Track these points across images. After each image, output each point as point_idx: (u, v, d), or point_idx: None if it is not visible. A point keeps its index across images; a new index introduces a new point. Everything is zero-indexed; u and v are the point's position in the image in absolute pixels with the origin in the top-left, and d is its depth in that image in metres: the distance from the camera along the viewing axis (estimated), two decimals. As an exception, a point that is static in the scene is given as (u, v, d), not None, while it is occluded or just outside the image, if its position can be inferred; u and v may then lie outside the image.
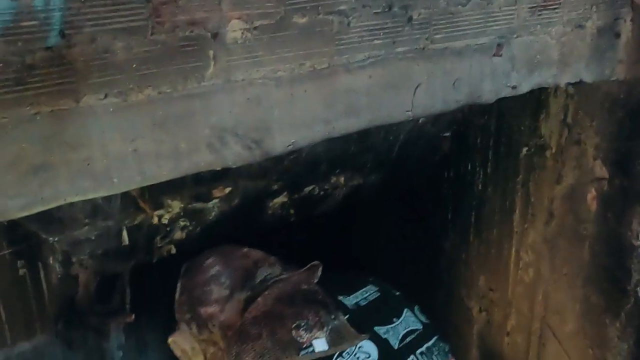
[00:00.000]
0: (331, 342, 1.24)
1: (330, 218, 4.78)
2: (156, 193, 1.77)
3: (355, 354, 1.24)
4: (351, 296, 1.43)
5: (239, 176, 1.87)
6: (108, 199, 1.67)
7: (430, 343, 1.37)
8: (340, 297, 1.41)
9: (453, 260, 2.19)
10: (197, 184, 1.81)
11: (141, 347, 2.39)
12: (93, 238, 1.84)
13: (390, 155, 2.17)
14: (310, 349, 1.24)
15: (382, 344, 1.29)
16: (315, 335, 1.27)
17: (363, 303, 1.44)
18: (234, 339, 1.39)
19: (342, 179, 2.21)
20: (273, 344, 1.29)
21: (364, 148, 2.05)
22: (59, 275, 1.85)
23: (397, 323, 1.39)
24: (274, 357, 1.26)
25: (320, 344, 1.25)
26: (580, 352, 1.39)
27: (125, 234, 1.83)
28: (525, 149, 1.55)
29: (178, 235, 2.07)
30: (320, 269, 1.49)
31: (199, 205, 1.93)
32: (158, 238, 2.03)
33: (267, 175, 1.92)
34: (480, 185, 1.88)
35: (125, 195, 1.70)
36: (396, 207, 2.63)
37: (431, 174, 2.30)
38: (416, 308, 1.43)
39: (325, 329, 1.28)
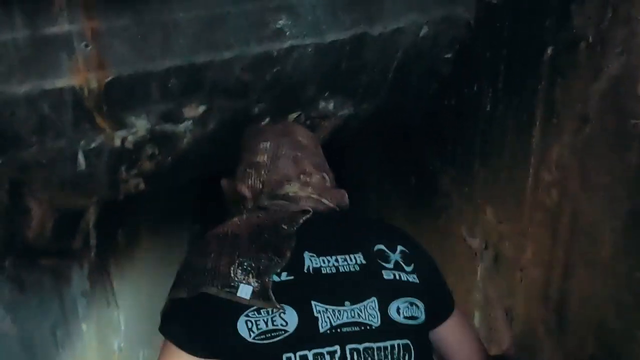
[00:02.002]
0: (253, 295, 1.05)
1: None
2: (116, 107, 1.48)
3: (273, 318, 1.04)
4: (325, 258, 1.13)
5: (214, 91, 1.57)
6: (56, 108, 1.38)
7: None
8: (312, 255, 1.13)
9: (452, 198, 1.93)
10: (165, 98, 1.52)
11: (109, 296, 2.11)
12: (44, 162, 1.55)
13: (386, 79, 1.89)
14: (234, 290, 1.06)
15: (307, 320, 1.06)
16: (247, 280, 1.07)
17: (326, 271, 1.12)
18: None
19: (330, 106, 1.93)
20: (216, 263, 1.10)
21: (357, 67, 1.77)
22: (6, 206, 1.55)
23: (345, 308, 1.08)
24: (209, 278, 1.08)
25: (244, 291, 1.06)
26: (621, 278, 1.13)
27: (81, 156, 1.53)
28: (550, 49, 1.28)
29: (146, 165, 1.78)
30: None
31: (168, 127, 1.64)
32: (123, 168, 1.74)
33: (247, 92, 1.63)
34: (488, 106, 1.61)
35: (78, 106, 1.41)
36: (389, 144, 2.36)
37: (429, 103, 2.02)
38: (393, 306, 1.13)
39: (259, 279, 1.07)
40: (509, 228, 1.55)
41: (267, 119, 1.82)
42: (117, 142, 1.59)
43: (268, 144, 1.38)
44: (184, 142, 1.75)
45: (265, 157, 1.36)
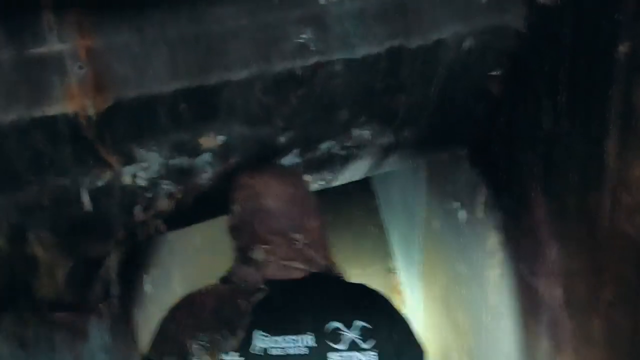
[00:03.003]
0: None
1: (355, 191, 4.26)
2: (121, 137, 1.28)
3: None
4: (276, 338, 1.11)
5: (232, 117, 1.37)
6: (52, 140, 1.19)
7: None
8: (264, 335, 1.11)
9: (508, 232, 1.66)
10: (177, 126, 1.31)
11: (132, 348, 1.90)
12: (47, 203, 1.36)
13: (427, 101, 1.65)
14: None
15: None
16: (200, 357, 1.10)
17: (275, 352, 1.10)
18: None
19: (367, 134, 1.70)
20: (180, 334, 1.15)
21: (394, 86, 1.54)
22: (7, 253, 1.36)
23: None
24: (172, 347, 1.14)
25: None
26: None
27: (85, 196, 1.34)
28: (626, 45, 1.03)
29: (164, 205, 1.57)
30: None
31: (184, 161, 1.43)
32: (138, 209, 1.53)
33: (271, 118, 1.42)
34: (549, 123, 1.35)
35: (77, 137, 1.22)
36: (434, 175, 2.11)
37: (477, 127, 1.78)
38: None
39: (212, 358, 1.09)
40: (580, 264, 1.27)
41: (294, 155, 1.61)
42: (128, 179, 1.39)
43: (237, 207, 1.33)
44: (204, 177, 1.54)
45: (236, 220, 1.33)
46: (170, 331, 1.16)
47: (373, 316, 1.13)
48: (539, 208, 1.50)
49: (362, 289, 1.24)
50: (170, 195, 1.56)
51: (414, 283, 3.14)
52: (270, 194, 1.30)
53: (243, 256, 1.24)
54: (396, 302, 3.19)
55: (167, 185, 1.50)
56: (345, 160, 1.79)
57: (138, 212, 1.56)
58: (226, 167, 1.55)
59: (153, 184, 1.46)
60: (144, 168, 1.37)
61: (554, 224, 1.43)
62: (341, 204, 4.66)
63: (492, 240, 1.85)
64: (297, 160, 1.68)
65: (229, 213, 1.33)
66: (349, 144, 1.72)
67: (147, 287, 2.23)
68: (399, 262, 3.66)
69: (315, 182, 1.82)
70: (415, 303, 3.17)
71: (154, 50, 1.16)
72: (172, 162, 1.41)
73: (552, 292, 1.44)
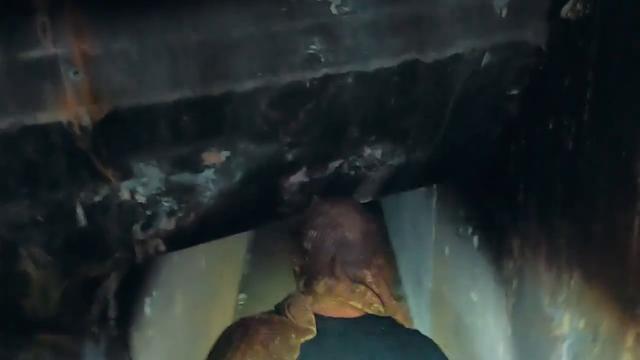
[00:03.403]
0: None
1: (372, 210, 4.17)
2: (118, 150, 1.20)
3: None
4: None
5: (236, 132, 1.28)
6: (44, 151, 1.11)
7: None
8: None
9: (526, 260, 1.56)
10: (178, 140, 1.23)
11: (128, 375, 1.80)
12: (41, 219, 1.27)
13: (441, 119, 1.56)
14: None
15: None
16: None
17: None
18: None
19: (378, 154, 1.61)
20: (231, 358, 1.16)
21: (408, 103, 1.45)
22: (-3, 271, 1.28)
23: None
24: None
25: None
26: None
27: (80, 211, 1.25)
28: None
29: (164, 224, 1.49)
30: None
31: (186, 177, 1.35)
32: (137, 227, 1.44)
33: (277, 134, 1.33)
34: (571, 144, 1.26)
35: (70, 148, 1.13)
36: (447, 199, 2.01)
37: (493, 149, 1.68)
38: None
39: None
40: (607, 294, 1.16)
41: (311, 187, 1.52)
42: (126, 195, 1.30)
43: (314, 233, 1.26)
44: (207, 195, 1.45)
45: (310, 245, 1.26)
46: (223, 352, 1.15)
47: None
48: (560, 233, 1.40)
49: (413, 335, 1.24)
50: (171, 214, 1.48)
51: (423, 311, 3.02)
52: (351, 226, 1.25)
53: (305, 285, 1.22)
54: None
55: (167, 203, 1.41)
56: (354, 181, 1.70)
57: (137, 231, 1.47)
58: (229, 185, 1.46)
59: (153, 201, 1.37)
60: (143, 184, 1.29)
61: (576, 251, 1.32)
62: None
63: (508, 268, 1.74)
64: (305, 180, 1.60)
65: (300, 236, 1.27)
66: (358, 163, 1.63)
67: (147, 310, 2.13)
68: (408, 289, 3.54)
69: (323, 203, 1.72)
70: (423, 330, 3.05)
71: (154, 57, 1.08)
72: (173, 178, 1.33)
73: (574, 324, 1.34)
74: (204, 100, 1.15)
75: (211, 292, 3.02)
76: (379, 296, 1.18)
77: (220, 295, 3.04)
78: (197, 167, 1.33)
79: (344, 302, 1.16)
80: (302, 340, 1.10)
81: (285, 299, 1.22)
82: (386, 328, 1.18)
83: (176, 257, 2.47)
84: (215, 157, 1.31)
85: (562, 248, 1.39)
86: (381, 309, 1.18)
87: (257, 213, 1.65)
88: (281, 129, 1.32)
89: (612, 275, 1.19)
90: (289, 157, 1.45)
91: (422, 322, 3.11)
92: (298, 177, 1.57)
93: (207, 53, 1.13)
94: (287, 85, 1.20)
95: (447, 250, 2.48)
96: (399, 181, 1.81)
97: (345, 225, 1.25)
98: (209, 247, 3.04)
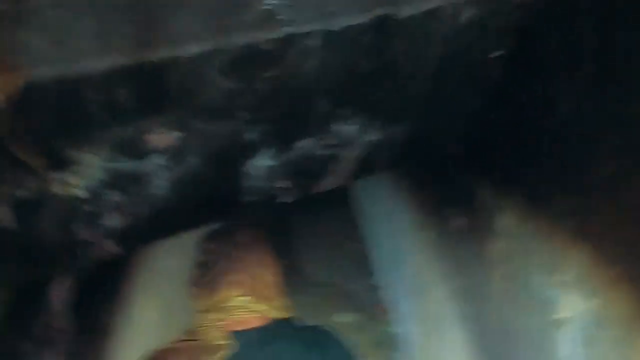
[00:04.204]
0: None
1: (328, 204, 3.95)
2: (43, 132, 0.97)
3: None
4: None
5: (185, 107, 1.07)
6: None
7: None
8: None
9: (518, 240, 1.38)
10: (116, 118, 1.01)
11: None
12: (-43, 221, 1.05)
13: (419, 87, 1.37)
14: None
15: None
16: None
17: None
18: None
19: (353, 129, 1.41)
20: None
21: (382, 68, 1.25)
22: None
23: None
24: None
25: None
26: None
27: (4, 209, 1.03)
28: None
29: (112, 221, 1.27)
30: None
31: (130, 164, 1.13)
32: (79, 225, 1.22)
33: (233, 109, 1.12)
34: (566, 106, 1.08)
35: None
36: (428, 179, 1.83)
37: (473, 121, 1.50)
38: None
39: None
40: (618, 271, 0.98)
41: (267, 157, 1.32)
42: (59, 189, 1.08)
43: (208, 254, 1.36)
44: (159, 186, 1.24)
45: (207, 263, 1.34)
46: None
47: (328, 355, 1.21)
48: (557, 207, 1.22)
49: (316, 333, 1.29)
50: (118, 209, 1.26)
51: (403, 300, 2.84)
52: (236, 241, 1.37)
53: (211, 303, 1.25)
54: (383, 320, 2.88)
55: (112, 196, 1.19)
56: (327, 162, 1.50)
57: (80, 231, 1.25)
58: (185, 174, 1.25)
59: (94, 194, 1.15)
60: (79, 174, 1.07)
61: (579, 225, 1.14)
62: (312, 218, 4.34)
63: (498, 250, 1.56)
64: (270, 163, 1.39)
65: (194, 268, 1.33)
66: (330, 140, 1.43)
67: (114, 318, 1.90)
68: (384, 278, 3.36)
69: (293, 189, 1.53)
70: (404, 321, 2.88)
71: (77, 17, 0.86)
72: (115, 166, 1.11)
73: (580, 306, 1.16)
74: (142, 68, 0.93)
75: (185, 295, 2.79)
76: (276, 300, 1.27)
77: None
78: (141, 151, 1.12)
79: (249, 310, 1.22)
80: (218, 358, 1.13)
81: (194, 322, 1.26)
82: (291, 331, 1.24)
83: (150, 260, 2.25)
84: (162, 138, 1.10)
85: (560, 224, 1.21)
86: (281, 312, 1.26)
87: (219, 204, 1.44)
88: (238, 103, 1.11)
89: (625, 248, 1.01)
90: (250, 136, 1.25)
91: (402, 311, 2.94)
92: (262, 160, 1.37)
93: (141, 12, 0.91)
94: (241, 48, 1.00)
95: (428, 234, 2.30)
96: (376, 160, 1.62)
97: (236, 242, 1.36)
98: (181, 244, 2.81)
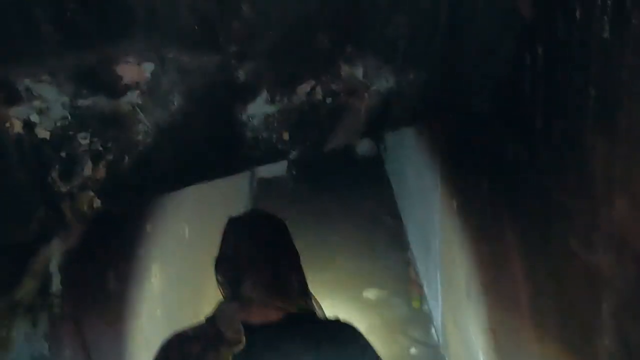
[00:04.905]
0: None
1: (367, 178, 3.75)
2: None
3: None
4: None
5: (157, 31, 0.90)
6: None
7: None
8: None
9: (552, 197, 1.18)
10: (72, 40, 0.85)
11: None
12: None
13: (436, 26, 1.17)
14: None
15: None
16: None
17: None
18: None
19: (359, 73, 1.23)
20: None
21: (391, 1, 1.06)
22: None
23: None
24: None
25: None
26: None
27: None
28: None
29: (90, 170, 1.12)
30: None
31: (101, 101, 0.97)
32: (54, 174, 1.08)
33: (217, 38, 0.95)
34: (606, 32, 0.87)
35: None
36: (451, 135, 1.63)
37: (501, 69, 1.30)
38: None
39: None
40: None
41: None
42: (18, 127, 0.93)
43: (233, 239, 1.29)
44: (140, 130, 1.08)
45: (230, 252, 1.27)
46: None
47: (345, 351, 1.17)
48: (593, 159, 1.02)
49: (334, 326, 1.25)
50: (96, 157, 1.11)
51: (432, 273, 2.66)
52: (257, 232, 1.30)
53: (230, 294, 1.22)
54: (414, 296, 2.70)
55: (86, 140, 1.04)
56: (334, 112, 1.32)
57: (56, 180, 1.10)
58: (170, 117, 1.09)
59: (64, 137, 1.00)
60: (39, 111, 0.92)
61: (618, 177, 0.94)
62: (352, 192, 4.20)
63: (528, 212, 1.36)
64: (269, 110, 1.22)
65: (221, 246, 1.28)
66: (335, 87, 1.25)
67: (113, 285, 1.78)
68: (416, 253, 3.18)
69: (299, 143, 1.35)
70: (433, 295, 2.69)
71: None
72: (82, 103, 0.96)
73: (619, 268, 0.96)
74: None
75: (198, 266, 2.67)
76: (296, 293, 1.21)
77: (203, 268, 2.68)
78: (114, 87, 0.96)
79: (267, 302, 1.18)
80: (232, 351, 1.12)
81: (215, 310, 1.22)
82: (306, 327, 1.20)
83: (149, 225, 2.12)
84: (134, 70, 0.94)
85: (599, 177, 1.01)
86: (300, 306, 1.21)
87: (214, 157, 1.28)
88: (221, 31, 0.94)
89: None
90: (241, 75, 1.08)
91: (431, 285, 2.75)
92: (259, 106, 1.20)
93: None
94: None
95: (454, 204, 2.10)
96: (390, 114, 1.43)
97: (258, 233, 1.28)
98: (195, 212, 2.68)
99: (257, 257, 1.23)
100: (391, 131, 1.54)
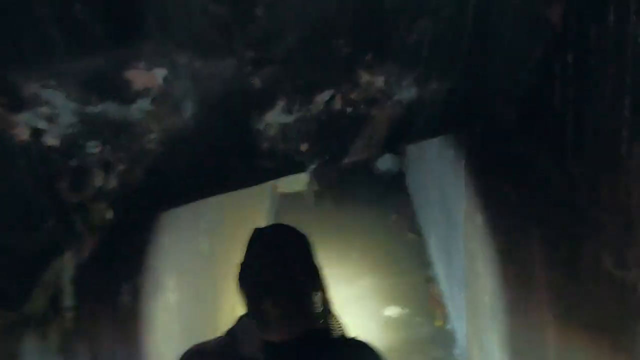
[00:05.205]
0: None
1: (389, 194, 3.65)
2: None
3: None
4: None
5: (169, 36, 0.86)
6: None
7: None
8: None
9: (582, 211, 1.10)
10: (82, 45, 0.81)
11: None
12: None
13: (461, 32, 1.11)
14: None
15: None
16: None
17: None
18: None
19: (380, 82, 1.17)
20: None
21: (413, 4, 1.01)
22: None
23: None
24: None
25: None
26: None
27: None
28: None
29: (102, 180, 1.08)
30: None
31: (110, 108, 0.93)
32: (64, 184, 1.04)
33: (231, 43, 0.90)
34: None
35: None
36: (476, 160, 1.57)
37: (530, 76, 1.23)
38: None
39: None
40: None
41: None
42: (25, 134, 0.89)
43: (254, 254, 1.20)
44: (151, 139, 1.04)
45: (252, 268, 1.18)
46: None
47: None
48: (627, 170, 0.94)
49: (352, 345, 1.22)
50: (107, 166, 1.07)
51: (456, 292, 2.57)
52: (285, 246, 1.21)
53: (251, 309, 1.17)
54: (437, 315, 2.61)
55: (96, 149, 1.00)
56: (354, 122, 1.26)
57: (65, 191, 1.06)
58: (182, 124, 1.04)
59: (72, 145, 0.96)
60: (47, 117, 0.88)
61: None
62: (374, 208, 4.12)
63: (555, 228, 1.29)
64: (286, 119, 1.17)
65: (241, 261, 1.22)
66: (355, 96, 1.19)
67: (125, 299, 1.73)
68: (439, 270, 3.08)
69: (317, 153, 1.30)
70: (458, 315, 2.60)
71: None
72: (92, 110, 0.91)
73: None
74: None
75: (217, 281, 2.61)
76: (317, 310, 1.18)
77: (221, 284, 2.62)
78: (124, 94, 0.92)
79: (287, 319, 1.14)
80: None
81: (235, 324, 1.19)
82: (325, 345, 1.19)
83: (166, 237, 2.07)
84: (145, 76, 0.89)
85: (635, 190, 0.93)
86: (320, 323, 1.18)
87: (229, 168, 1.23)
88: (235, 35, 0.89)
89: None
90: (257, 82, 1.03)
91: (455, 304, 2.66)
92: (276, 115, 1.15)
93: None
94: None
95: (479, 220, 2.02)
96: (413, 125, 1.37)
97: (281, 248, 1.21)
98: (215, 226, 2.63)
99: (281, 274, 1.18)
100: (414, 143, 1.48)
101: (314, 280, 1.21)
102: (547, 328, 1.38)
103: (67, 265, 1.37)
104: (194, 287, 2.17)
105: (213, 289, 2.45)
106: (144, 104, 0.94)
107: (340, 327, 1.24)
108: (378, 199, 4.15)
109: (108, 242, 1.51)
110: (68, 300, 1.38)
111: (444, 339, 2.92)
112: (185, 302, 2.07)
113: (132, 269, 1.78)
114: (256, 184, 1.42)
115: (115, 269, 1.69)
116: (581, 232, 1.13)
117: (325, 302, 1.23)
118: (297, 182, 4.15)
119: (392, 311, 3.18)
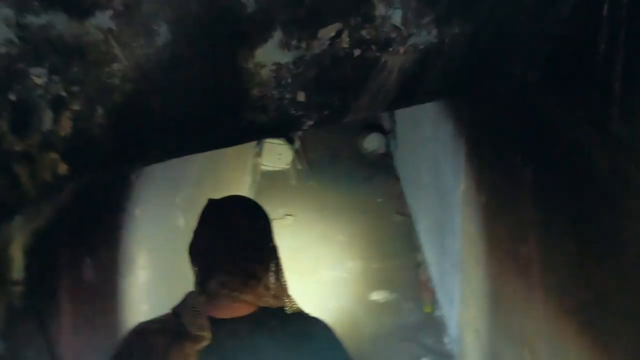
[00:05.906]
0: None
1: (376, 175, 3.45)
2: None
3: None
4: None
5: None
6: None
7: None
8: None
9: (616, 191, 0.90)
10: None
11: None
12: None
13: None
14: None
15: None
16: None
17: None
18: None
19: (396, 19, 0.96)
20: None
21: None
22: None
23: None
24: None
25: None
26: None
27: None
28: None
29: (51, 122, 0.86)
30: None
31: (60, 21, 0.69)
32: (4, 125, 0.81)
33: None
34: None
35: None
36: (477, 121, 1.36)
37: (560, 29, 1.03)
38: None
39: None
40: None
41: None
42: None
43: (206, 231, 1.17)
44: (116, 70, 0.81)
45: (204, 245, 1.16)
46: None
47: (315, 345, 1.12)
48: None
49: (304, 320, 1.16)
50: (59, 105, 0.84)
51: (449, 277, 2.37)
52: (241, 224, 1.17)
53: (200, 285, 1.13)
54: (426, 301, 2.42)
55: (43, 79, 0.77)
56: (360, 70, 1.05)
57: (6, 134, 0.83)
58: (155, 54, 0.81)
59: (9, 70, 0.73)
60: None
61: None
62: (360, 188, 3.93)
63: (573, 213, 1.08)
64: (283, 59, 0.95)
65: (194, 237, 1.17)
66: (367, 34, 0.97)
67: (89, 274, 1.50)
68: (429, 254, 2.89)
69: (315, 108, 1.08)
70: (448, 301, 2.41)
71: None
72: (32, 21, 0.68)
73: None
74: None
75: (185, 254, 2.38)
76: (270, 289, 1.13)
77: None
78: (76, 3, 0.68)
79: (236, 298, 1.10)
80: (197, 347, 1.05)
81: (182, 301, 1.13)
82: (277, 321, 1.13)
83: (138, 209, 1.84)
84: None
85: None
86: (272, 301, 1.13)
87: (212, 117, 1.01)
88: None
89: None
90: (249, 5, 0.80)
91: (447, 289, 2.47)
92: (270, 52, 0.92)
93: None
94: None
95: (480, 199, 1.82)
96: (425, 79, 1.16)
97: (235, 223, 1.17)
98: (192, 201, 2.41)
99: (232, 250, 1.13)
100: (421, 103, 1.27)
101: (267, 257, 1.16)
102: (547, 315, 1.19)
103: (17, 234, 1.16)
104: (167, 265, 1.94)
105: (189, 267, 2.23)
106: (102, 19, 0.71)
107: (294, 306, 1.18)
108: (365, 179, 3.96)
109: (68, 209, 1.30)
110: (17, 274, 1.17)
111: (433, 326, 2.74)
112: (156, 280, 1.84)
113: (97, 242, 1.56)
114: (242, 142, 1.21)
115: (77, 240, 1.48)
116: (616, 220, 0.93)
117: (279, 280, 1.18)
118: (280, 159, 3.93)
119: (379, 296, 3.00)
